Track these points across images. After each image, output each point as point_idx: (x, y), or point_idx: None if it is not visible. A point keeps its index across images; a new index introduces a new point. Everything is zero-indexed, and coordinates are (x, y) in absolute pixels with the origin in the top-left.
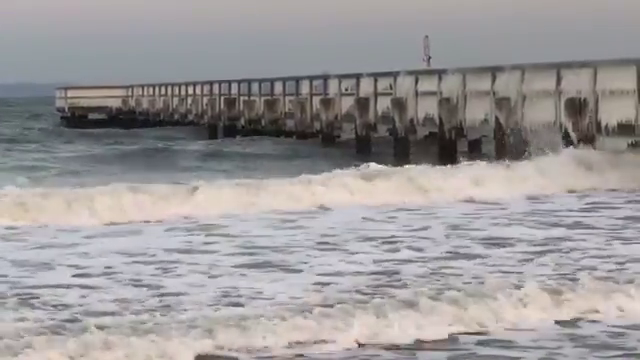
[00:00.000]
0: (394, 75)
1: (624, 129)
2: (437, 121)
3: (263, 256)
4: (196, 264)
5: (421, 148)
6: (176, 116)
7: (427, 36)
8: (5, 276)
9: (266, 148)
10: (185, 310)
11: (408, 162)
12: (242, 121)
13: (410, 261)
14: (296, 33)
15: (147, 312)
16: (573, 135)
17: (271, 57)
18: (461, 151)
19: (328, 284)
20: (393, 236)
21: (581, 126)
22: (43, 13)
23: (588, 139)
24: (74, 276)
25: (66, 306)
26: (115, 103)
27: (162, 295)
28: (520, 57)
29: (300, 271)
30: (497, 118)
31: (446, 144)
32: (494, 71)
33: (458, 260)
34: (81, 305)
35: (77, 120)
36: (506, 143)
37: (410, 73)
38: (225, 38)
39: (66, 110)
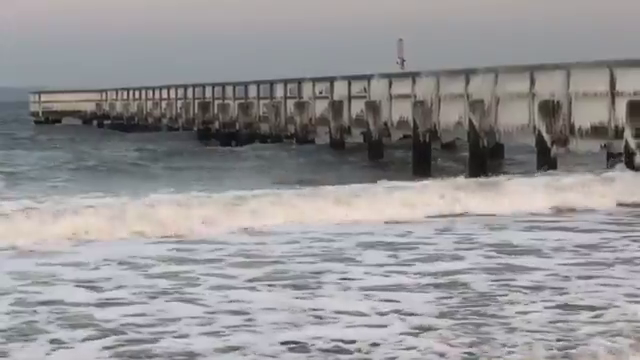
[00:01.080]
0: (368, 78)
1: (597, 131)
2: (411, 124)
3: (270, 266)
4: (211, 275)
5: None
6: (150, 120)
7: (401, 39)
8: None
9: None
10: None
11: (383, 163)
12: (216, 125)
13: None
14: (270, 37)
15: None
16: (547, 137)
17: (245, 61)
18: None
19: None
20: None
21: (554, 128)
22: (17, 17)
23: (561, 141)
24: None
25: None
26: (89, 107)
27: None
28: (496, 59)
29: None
30: (471, 121)
31: (420, 147)
32: (468, 74)
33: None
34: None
35: (51, 124)
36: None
37: (384, 76)
38: (200, 42)
39: (40, 114)
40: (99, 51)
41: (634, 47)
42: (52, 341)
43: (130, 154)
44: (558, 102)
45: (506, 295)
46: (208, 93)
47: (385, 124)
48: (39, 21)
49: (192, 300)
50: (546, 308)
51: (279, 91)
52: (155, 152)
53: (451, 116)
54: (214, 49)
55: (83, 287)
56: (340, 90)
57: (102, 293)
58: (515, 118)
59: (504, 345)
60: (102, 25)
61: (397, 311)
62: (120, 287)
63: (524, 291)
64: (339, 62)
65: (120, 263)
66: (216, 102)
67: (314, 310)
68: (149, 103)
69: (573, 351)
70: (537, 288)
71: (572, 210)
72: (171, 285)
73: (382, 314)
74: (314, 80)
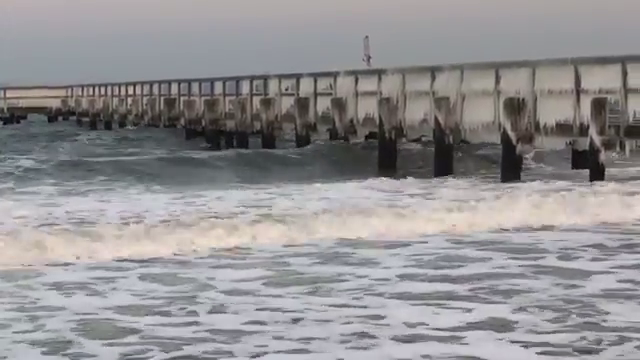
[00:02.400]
0: (334, 75)
1: (562, 129)
2: (377, 121)
3: (287, 267)
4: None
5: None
6: (116, 117)
7: (367, 36)
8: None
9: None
10: None
11: (349, 159)
12: (182, 121)
13: None
14: (236, 33)
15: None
16: (512, 134)
17: (211, 57)
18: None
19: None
20: None
21: (520, 126)
22: None
23: (527, 139)
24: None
25: None
26: (55, 104)
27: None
28: (461, 57)
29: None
30: (436, 118)
31: (386, 144)
32: (433, 71)
33: None
34: None
35: (16, 121)
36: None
37: (350, 73)
38: (167, 38)
39: (5, 111)
40: (65, 46)
41: (601, 45)
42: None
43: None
44: (523, 99)
45: None
46: (174, 90)
47: (351, 121)
48: (2, 17)
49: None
50: None
51: (245, 88)
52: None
53: (417, 113)
54: (180, 45)
55: None
56: (306, 87)
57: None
58: (480, 115)
59: None
60: (67, 20)
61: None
62: None
63: None
64: (305, 59)
65: None
66: (182, 98)
67: (378, 318)
68: (115, 99)
69: None
70: None
71: None
72: None
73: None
74: (280, 77)
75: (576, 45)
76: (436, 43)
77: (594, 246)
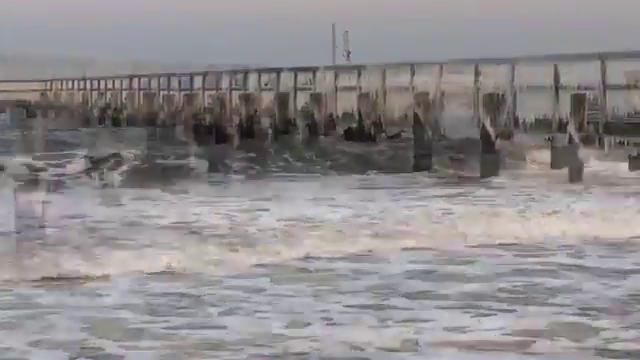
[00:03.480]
0: (313, 70)
1: (541, 124)
2: (356, 116)
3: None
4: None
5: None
6: (95, 111)
7: (347, 31)
8: None
9: None
10: None
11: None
12: (161, 115)
13: None
14: (217, 27)
15: None
16: (491, 130)
17: (191, 51)
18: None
19: None
20: None
21: (498, 121)
22: None
23: (505, 134)
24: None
25: None
26: (34, 97)
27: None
28: (441, 54)
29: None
30: (416, 113)
31: (365, 139)
32: (413, 66)
33: None
34: None
35: None
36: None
37: (329, 68)
38: (148, 34)
39: None
40: (44, 39)
41: (602, 44)
42: None
43: None
44: (502, 95)
45: None
46: (153, 84)
47: (330, 116)
48: None
49: None
50: None
51: (224, 82)
52: None
53: (396, 108)
54: (165, 39)
55: None
56: (286, 82)
57: None
58: (460, 111)
59: None
60: (46, 12)
61: None
62: None
63: None
64: (285, 54)
65: None
66: (161, 93)
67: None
68: (94, 93)
69: None
70: None
71: None
72: None
73: None
74: (260, 71)
75: (576, 45)
76: (422, 41)
77: None
